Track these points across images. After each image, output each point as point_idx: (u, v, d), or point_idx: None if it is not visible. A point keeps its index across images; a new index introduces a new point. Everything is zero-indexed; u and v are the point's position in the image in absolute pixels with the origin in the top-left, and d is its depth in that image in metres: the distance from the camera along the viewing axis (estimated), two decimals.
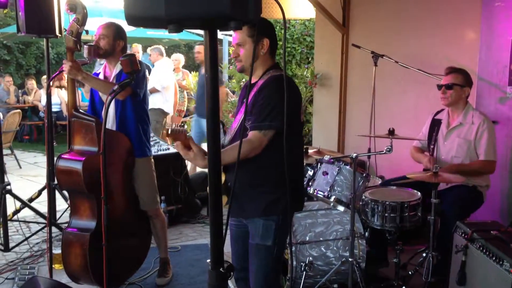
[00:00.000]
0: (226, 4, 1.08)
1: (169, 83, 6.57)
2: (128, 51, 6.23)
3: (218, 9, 1.08)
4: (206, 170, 2.44)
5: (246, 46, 2.27)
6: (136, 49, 7.47)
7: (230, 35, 13.49)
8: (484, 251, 2.53)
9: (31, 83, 10.68)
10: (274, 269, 2.35)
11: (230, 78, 8.71)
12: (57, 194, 4.38)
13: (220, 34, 12.66)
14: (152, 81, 6.29)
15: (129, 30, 8.81)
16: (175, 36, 11.67)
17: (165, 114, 6.59)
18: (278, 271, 2.42)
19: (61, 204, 4.51)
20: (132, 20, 1.13)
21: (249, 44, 2.26)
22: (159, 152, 4.72)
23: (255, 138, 2.17)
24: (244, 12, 1.14)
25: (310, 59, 7.91)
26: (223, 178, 2.30)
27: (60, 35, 3.88)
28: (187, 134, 2.16)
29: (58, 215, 4.45)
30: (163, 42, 12.44)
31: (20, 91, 11.03)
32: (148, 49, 6.96)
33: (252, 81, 2.32)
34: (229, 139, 2.35)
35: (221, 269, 1.34)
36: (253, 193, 2.25)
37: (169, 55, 8.56)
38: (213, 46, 1.24)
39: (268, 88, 2.20)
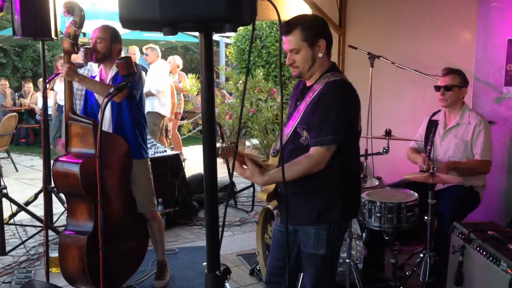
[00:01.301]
0: (221, 6, 1.08)
1: (164, 87, 6.55)
2: (125, 54, 6.24)
3: (213, 11, 1.08)
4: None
5: (302, 51, 2.13)
6: (132, 51, 7.46)
7: (227, 37, 13.46)
8: (481, 251, 2.54)
9: (28, 86, 10.66)
10: (328, 277, 2.28)
11: (227, 80, 8.72)
12: (54, 197, 4.36)
13: (217, 36, 12.66)
14: (148, 84, 6.28)
15: (126, 32, 8.82)
16: (172, 38, 11.66)
17: (162, 117, 6.59)
18: (333, 279, 2.35)
19: (58, 207, 4.49)
20: (127, 22, 1.12)
21: (305, 49, 2.13)
22: (156, 155, 4.71)
23: (318, 155, 2.07)
24: (239, 14, 1.14)
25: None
26: (273, 184, 2.23)
27: (56, 38, 3.87)
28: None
29: (55, 218, 4.43)
30: (160, 44, 12.42)
31: (16, 94, 11.01)
32: (144, 48, 6.94)
33: (308, 84, 2.22)
34: (280, 144, 2.22)
35: (217, 272, 1.33)
36: (304, 201, 2.17)
37: (166, 57, 8.56)
38: (208, 48, 1.24)
39: (328, 98, 2.08)
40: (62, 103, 6.52)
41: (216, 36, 12.68)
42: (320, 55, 2.14)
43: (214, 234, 1.34)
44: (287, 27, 2.14)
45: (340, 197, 2.17)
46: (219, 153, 1.99)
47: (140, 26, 1.16)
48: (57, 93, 7.28)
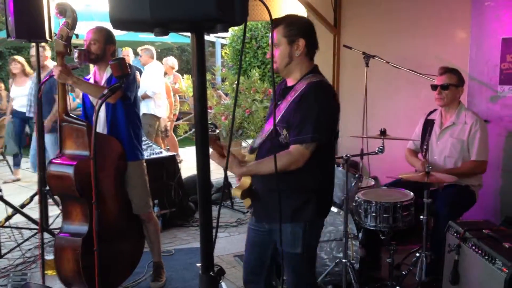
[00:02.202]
0: (211, 6, 1.07)
1: (160, 89, 6.54)
2: (119, 55, 6.21)
3: (203, 11, 1.08)
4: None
5: (281, 46, 2.18)
6: (126, 52, 7.44)
7: (223, 38, 13.45)
8: (477, 250, 2.54)
9: None
10: (306, 275, 2.31)
11: (223, 80, 8.72)
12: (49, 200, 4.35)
13: (213, 37, 12.65)
14: (143, 86, 6.26)
15: (121, 33, 8.79)
16: (168, 39, 11.65)
17: (157, 118, 6.57)
18: (312, 276, 2.37)
19: (54, 210, 4.48)
20: (118, 23, 1.12)
21: (284, 45, 2.17)
22: (152, 156, 4.70)
23: (297, 152, 2.11)
24: (230, 14, 1.14)
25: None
26: (248, 181, 2.27)
27: (50, 40, 3.85)
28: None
29: (50, 220, 4.41)
30: (156, 45, 12.39)
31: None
32: (139, 49, 6.92)
33: (289, 84, 2.26)
34: (259, 142, 2.29)
35: (211, 273, 1.33)
36: (282, 198, 2.12)
37: (161, 58, 8.55)
38: (200, 49, 1.24)
39: (309, 97, 2.12)
40: (20, 109, 6.44)
41: (212, 37, 12.68)
42: (298, 54, 2.18)
43: (208, 235, 1.34)
44: (274, 22, 2.21)
45: (314, 196, 2.21)
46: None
47: (131, 26, 1.15)
48: (14, 99, 6.78)
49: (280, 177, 2.10)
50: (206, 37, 12.75)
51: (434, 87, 3.45)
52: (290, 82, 2.26)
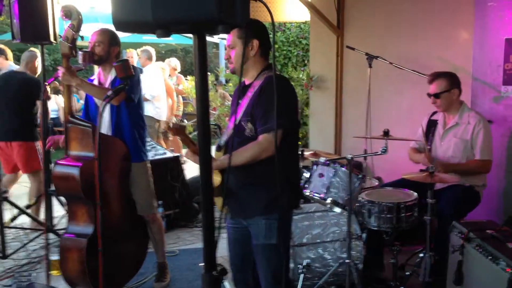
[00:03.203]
0: (213, 8, 1.09)
1: (159, 92, 6.55)
2: (123, 57, 6.23)
3: (205, 13, 1.09)
4: None
5: (237, 48, 2.30)
6: (130, 54, 7.47)
7: (225, 39, 13.48)
8: (481, 250, 2.54)
9: None
10: (282, 266, 2.34)
11: (227, 81, 8.74)
12: (55, 201, 4.37)
13: (217, 38, 12.68)
14: (142, 88, 6.25)
15: (125, 35, 8.82)
16: (172, 41, 11.69)
17: (157, 120, 6.60)
18: (287, 268, 2.47)
19: (59, 211, 4.50)
20: (120, 25, 1.13)
21: (239, 46, 2.30)
22: (156, 157, 4.72)
23: (266, 141, 2.19)
24: (231, 15, 1.15)
25: (306, 61, 7.93)
26: (218, 179, 2.31)
27: (55, 42, 3.88)
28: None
29: (55, 221, 4.44)
30: (160, 46, 12.46)
31: None
32: (138, 51, 6.95)
33: (246, 83, 2.37)
34: (225, 139, 2.38)
35: (214, 273, 1.34)
36: (252, 192, 2.27)
37: (165, 59, 8.58)
38: (202, 50, 1.25)
39: (269, 89, 2.22)
40: None
41: (215, 38, 12.71)
42: (252, 53, 2.30)
43: (211, 235, 1.35)
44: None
45: (287, 187, 2.28)
46: (170, 127, 2.21)
47: (134, 28, 1.17)
48: None
49: (250, 171, 2.21)
50: (210, 39, 12.78)
51: (429, 95, 3.47)
52: (247, 81, 2.38)
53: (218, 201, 2.37)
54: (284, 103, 2.22)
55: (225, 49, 2.35)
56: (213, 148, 2.34)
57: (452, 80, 3.41)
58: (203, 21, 1.11)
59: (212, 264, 1.35)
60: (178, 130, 2.33)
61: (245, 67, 2.31)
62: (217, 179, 2.32)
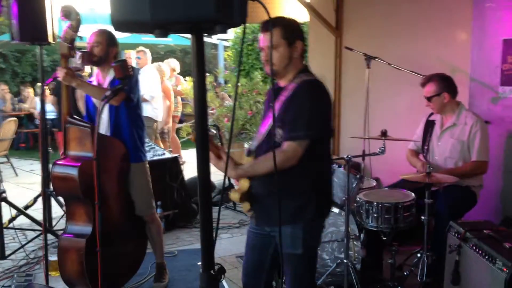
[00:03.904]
0: (211, 8, 1.10)
1: (156, 92, 6.57)
2: (122, 57, 6.23)
3: (203, 13, 1.10)
4: None
5: (280, 48, 2.17)
6: (128, 55, 7.48)
7: (225, 40, 13.45)
8: (477, 250, 2.55)
9: (27, 91, 10.70)
10: (307, 277, 2.30)
11: (225, 82, 8.75)
12: (53, 201, 4.38)
13: (215, 39, 12.69)
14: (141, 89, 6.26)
15: (124, 36, 8.82)
16: (171, 42, 11.69)
17: (154, 121, 6.61)
18: (312, 278, 2.34)
19: (58, 212, 4.51)
20: (119, 25, 1.14)
21: (284, 47, 2.18)
22: (155, 157, 4.73)
23: (290, 149, 2.10)
24: (229, 15, 1.16)
25: (305, 62, 7.94)
26: (247, 185, 2.25)
27: (53, 43, 3.89)
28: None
29: (54, 222, 4.45)
30: (159, 47, 12.46)
31: (16, 99, 11.05)
32: (133, 53, 6.96)
33: (281, 85, 2.27)
34: (256, 144, 2.29)
35: (212, 272, 1.35)
36: (280, 200, 2.14)
37: (164, 60, 8.58)
38: (200, 50, 1.26)
39: (302, 95, 2.14)
40: None
41: (214, 39, 12.72)
42: (296, 55, 2.21)
43: (208, 234, 1.36)
44: (267, 24, 2.20)
45: (314, 196, 2.20)
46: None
47: (132, 28, 1.18)
48: None
49: (279, 179, 2.09)
50: (209, 40, 12.79)
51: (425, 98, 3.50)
52: (282, 83, 2.28)
53: (246, 205, 2.30)
54: (316, 111, 2.13)
55: (261, 49, 2.23)
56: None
57: (442, 84, 3.41)
58: (201, 21, 1.12)
59: (210, 264, 1.35)
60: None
61: (286, 69, 2.22)
62: (245, 184, 2.26)
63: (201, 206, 1.35)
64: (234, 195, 2.26)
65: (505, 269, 2.31)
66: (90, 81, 3.31)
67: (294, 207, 2.18)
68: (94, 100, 3.19)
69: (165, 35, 1.14)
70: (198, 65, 1.26)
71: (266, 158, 2.12)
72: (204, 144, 1.33)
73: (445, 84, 3.41)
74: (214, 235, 1.39)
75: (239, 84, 7.19)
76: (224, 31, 1.17)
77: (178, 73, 8.58)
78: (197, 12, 1.10)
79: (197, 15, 1.10)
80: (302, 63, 2.27)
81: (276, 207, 2.11)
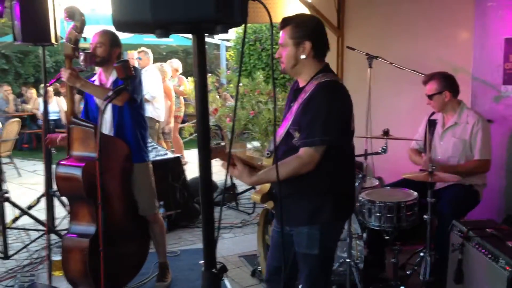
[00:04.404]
0: (211, 8, 1.10)
1: (158, 93, 6.58)
2: (125, 58, 6.23)
3: (203, 13, 1.11)
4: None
5: (287, 48, 2.15)
6: (131, 55, 7.49)
7: (227, 40, 13.45)
8: (480, 249, 2.54)
9: (30, 92, 10.74)
10: (322, 278, 2.29)
11: (228, 82, 8.76)
12: (56, 201, 4.40)
13: (217, 40, 12.70)
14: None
15: (126, 37, 8.81)
16: (173, 42, 11.72)
17: (156, 121, 6.63)
18: (327, 280, 2.34)
19: (61, 212, 4.52)
20: (120, 25, 1.15)
21: (290, 47, 2.14)
22: (157, 158, 4.74)
23: (307, 155, 2.08)
24: (229, 15, 1.16)
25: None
26: (268, 185, 2.26)
27: (56, 43, 3.90)
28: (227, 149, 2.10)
29: (57, 222, 4.46)
30: (161, 48, 12.50)
31: (19, 100, 11.08)
32: (136, 53, 6.97)
33: (300, 85, 2.23)
34: (274, 146, 2.24)
35: (213, 270, 1.35)
36: (296, 202, 2.18)
37: (166, 61, 8.60)
38: (201, 50, 1.26)
39: (317, 98, 2.09)
40: None
41: (217, 40, 12.73)
42: (303, 56, 2.14)
43: (210, 233, 1.36)
44: (283, 22, 2.19)
45: (331, 198, 2.18)
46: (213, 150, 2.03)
47: (133, 28, 1.18)
48: None
49: (294, 181, 2.10)
50: (211, 40, 12.81)
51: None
52: (301, 83, 2.24)
53: (270, 203, 2.31)
54: (332, 115, 2.08)
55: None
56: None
57: (444, 82, 3.40)
58: (201, 21, 1.13)
59: (212, 262, 1.36)
60: (219, 153, 2.09)
61: (296, 69, 2.19)
62: (266, 186, 2.27)
63: (203, 205, 1.35)
64: (255, 197, 2.26)
65: (508, 268, 2.30)
66: (92, 81, 3.32)
67: (311, 208, 2.18)
68: (97, 100, 3.20)
69: (166, 35, 1.15)
70: (199, 65, 1.27)
71: (282, 164, 2.08)
72: (206, 144, 1.33)
73: (447, 83, 3.41)
74: (216, 235, 1.39)
75: (241, 84, 7.19)
76: (225, 31, 1.18)
77: (180, 73, 8.59)
78: (198, 12, 1.10)
79: (197, 15, 1.11)
80: (318, 63, 2.19)
81: (294, 208, 2.15)
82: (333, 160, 2.14)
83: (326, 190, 2.18)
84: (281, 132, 2.24)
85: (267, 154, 2.31)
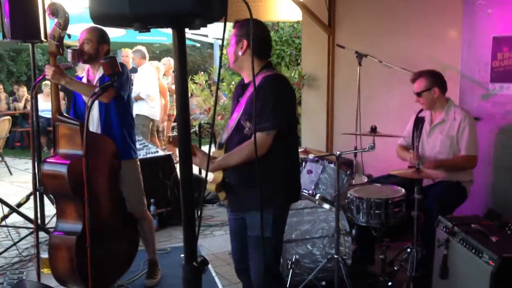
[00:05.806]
0: (190, 1, 1.10)
1: (153, 91, 6.56)
2: (118, 57, 6.23)
3: (181, 6, 1.11)
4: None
5: (231, 45, 2.38)
6: (125, 53, 7.47)
7: (220, 39, 13.42)
8: (465, 244, 2.56)
9: (22, 90, 10.68)
10: (274, 260, 2.44)
11: (221, 80, 8.75)
12: (46, 199, 4.38)
13: (211, 38, 12.68)
14: (137, 88, 6.28)
15: (119, 35, 8.80)
16: (166, 41, 11.68)
17: (151, 119, 6.62)
18: (278, 262, 2.51)
19: (51, 210, 4.51)
20: (97, 18, 1.14)
21: (233, 44, 2.37)
22: (148, 155, 4.73)
23: (259, 139, 2.21)
24: (208, 9, 1.16)
25: (299, 61, 7.95)
26: (220, 175, 2.42)
27: (45, 40, 3.89)
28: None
29: (47, 220, 4.45)
30: (154, 46, 12.45)
31: (10, 98, 11.03)
32: (130, 52, 6.96)
33: (246, 81, 2.45)
34: (226, 137, 2.44)
35: (194, 263, 1.36)
36: (249, 189, 2.30)
37: (160, 59, 8.59)
38: (181, 45, 1.26)
39: (265, 89, 2.27)
40: None
41: (210, 39, 12.71)
42: (240, 53, 2.36)
43: (191, 227, 1.37)
44: (234, 23, 2.44)
45: (283, 184, 2.37)
46: (170, 140, 2.27)
47: (111, 21, 1.18)
48: None
49: (247, 170, 2.26)
50: (205, 39, 12.78)
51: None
52: (246, 79, 2.45)
53: (221, 194, 2.47)
54: (280, 103, 2.28)
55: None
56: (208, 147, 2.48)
57: (432, 79, 3.43)
58: (180, 14, 1.13)
59: (192, 255, 1.37)
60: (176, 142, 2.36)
61: (236, 64, 2.41)
62: (219, 175, 2.43)
63: (183, 199, 1.36)
64: (210, 187, 2.44)
65: (491, 262, 2.33)
66: (80, 78, 3.31)
67: (264, 195, 2.27)
68: (84, 97, 3.19)
69: (144, 28, 1.15)
70: (179, 60, 1.27)
71: (237, 151, 2.28)
72: (186, 137, 1.34)
73: (436, 79, 3.44)
74: (197, 231, 1.41)
75: (233, 82, 7.18)
76: (204, 25, 1.18)
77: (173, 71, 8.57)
78: (176, 5, 1.11)
79: (175, 8, 1.11)
80: (260, 61, 2.38)
81: (246, 195, 2.34)
82: (284, 147, 2.35)
83: (278, 177, 2.35)
84: (231, 124, 2.41)
85: (219, 146, 2.48)
